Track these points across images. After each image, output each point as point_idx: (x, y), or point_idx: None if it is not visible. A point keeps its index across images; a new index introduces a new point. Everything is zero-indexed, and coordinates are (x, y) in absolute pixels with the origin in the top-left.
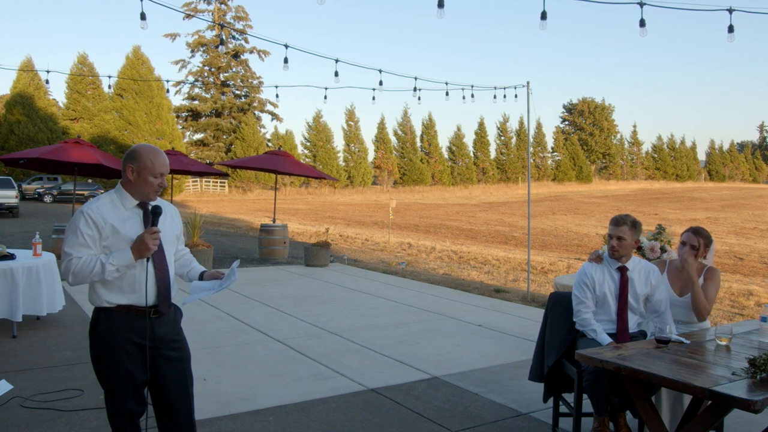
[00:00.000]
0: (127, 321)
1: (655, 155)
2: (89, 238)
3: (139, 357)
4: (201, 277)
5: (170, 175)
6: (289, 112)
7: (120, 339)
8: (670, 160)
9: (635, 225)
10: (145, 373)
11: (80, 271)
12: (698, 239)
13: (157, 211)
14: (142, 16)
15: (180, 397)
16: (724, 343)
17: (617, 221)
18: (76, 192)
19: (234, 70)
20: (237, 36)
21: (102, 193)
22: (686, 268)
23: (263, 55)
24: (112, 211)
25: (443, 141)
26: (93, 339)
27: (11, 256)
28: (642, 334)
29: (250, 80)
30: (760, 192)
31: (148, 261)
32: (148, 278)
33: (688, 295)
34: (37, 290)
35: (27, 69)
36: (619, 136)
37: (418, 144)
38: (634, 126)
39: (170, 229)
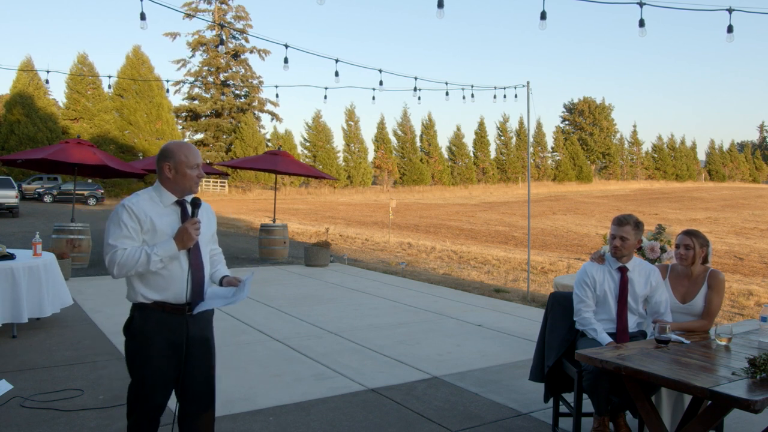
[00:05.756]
0: (161, 319)
1: (655, 155)
2: (133, 231)
3: (171, 355)
4: (221, 282)
5: None
6: (289, 112)
7: (154, 337)
8: (670, 160)
9: (638, 225)
10: (176, 370)
11: (126, 262)
12: (691, 239)
13: (196, 203)
14: (142, 16)
15: (202, 386)
16: (724, 343)
17: (620, 221)
18: (76, 192)
19: (234, 69)
20: (237, 36)
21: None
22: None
23: (264, 55)
24: (151, 207)
25: (443, 141)
26: (128, 335)
27: (11, 256)
28: (642, 334)
29: (250, 80)
30: (760, 192)
31: (185, 256)
32: (184, 275)
33: (690, 302)
34: (39, 291)
35: (27, 69)
36: (618, 135)
37: (418, 144)
38: (634, 126)
39: (206, 227)
